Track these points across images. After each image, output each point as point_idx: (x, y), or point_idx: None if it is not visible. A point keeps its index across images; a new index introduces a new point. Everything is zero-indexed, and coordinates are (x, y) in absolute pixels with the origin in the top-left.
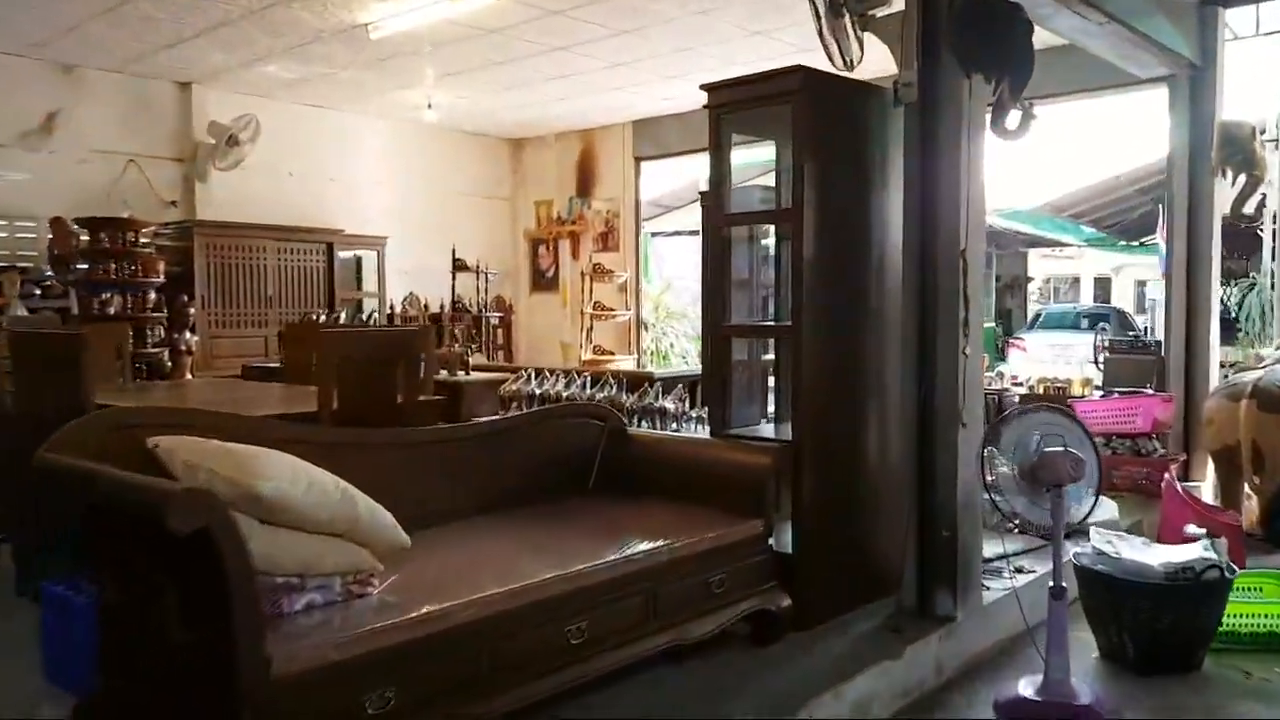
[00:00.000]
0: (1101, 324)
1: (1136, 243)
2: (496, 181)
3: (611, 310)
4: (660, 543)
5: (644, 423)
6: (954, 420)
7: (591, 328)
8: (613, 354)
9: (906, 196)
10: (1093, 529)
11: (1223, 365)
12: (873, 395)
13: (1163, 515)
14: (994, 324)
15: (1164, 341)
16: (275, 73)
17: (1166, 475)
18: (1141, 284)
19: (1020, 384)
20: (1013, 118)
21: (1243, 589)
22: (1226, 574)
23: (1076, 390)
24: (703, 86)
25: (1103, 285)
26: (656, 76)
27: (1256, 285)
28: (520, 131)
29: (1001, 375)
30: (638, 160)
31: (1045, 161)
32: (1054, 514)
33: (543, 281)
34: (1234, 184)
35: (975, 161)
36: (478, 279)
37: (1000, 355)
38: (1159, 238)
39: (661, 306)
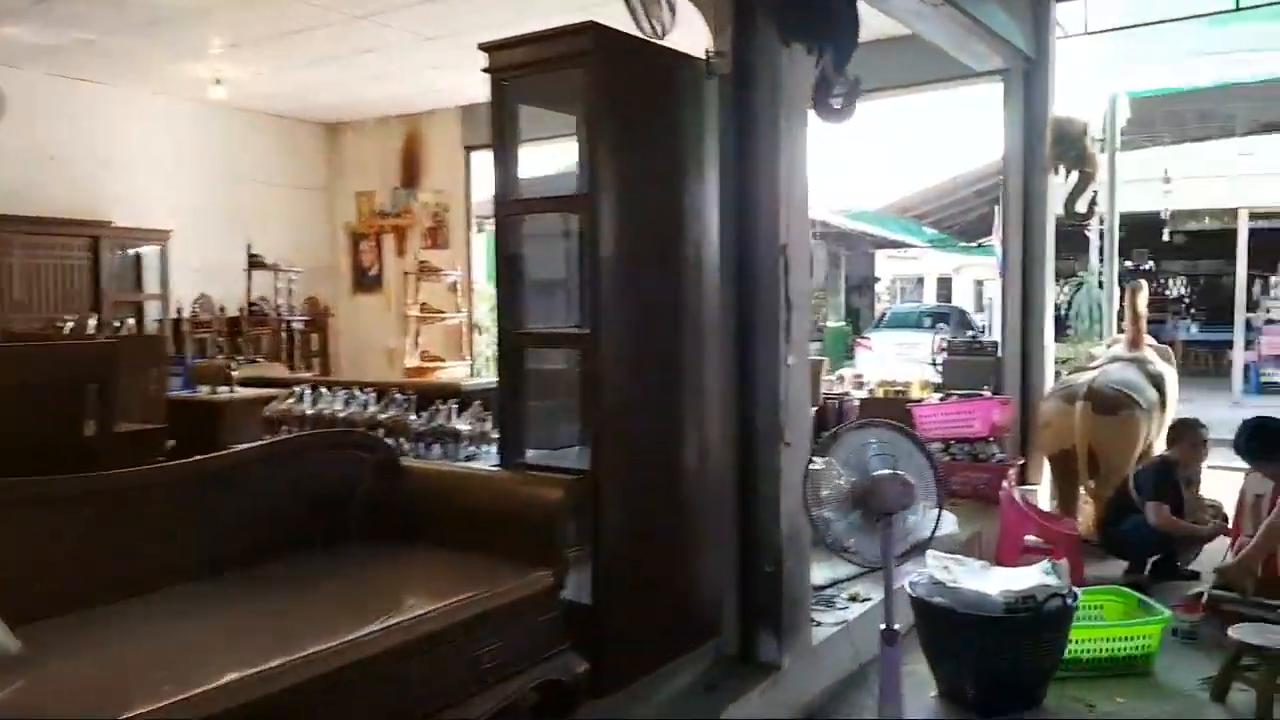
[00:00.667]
0: (939, 324)
1: (975, 244)
2: (310, 170)
3: (441, 313)
4: (409, 615)
5: (435, 448)
6: (776, 439)
7: (419, 332)
8: (442, 360)
9: (722, 183)
10: (929, 553)
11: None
12: (689, 412)
13: (1002, 527)
14: (844, 323)
15: (1000, 342)
16: (20, 37)
17: (1005, 484)
18: (980, 283)
19: (862, 386)
20: (837, 95)
21: (1084, 608)
22: (1069, 602)
23: (916, 393)
24: (481, 46)
25: (945, 285)
26: (478, 56)
27: (1084, 284)
28: (336, 115)
29: (842, 379)
30: (468, 149)
31: (891, 161)
32: (884, 546)
33: (366, 282)
34: (1066, 180)
35: (797, 144)
36: (275, 278)
37: (849, 355)
38: (995, 239)
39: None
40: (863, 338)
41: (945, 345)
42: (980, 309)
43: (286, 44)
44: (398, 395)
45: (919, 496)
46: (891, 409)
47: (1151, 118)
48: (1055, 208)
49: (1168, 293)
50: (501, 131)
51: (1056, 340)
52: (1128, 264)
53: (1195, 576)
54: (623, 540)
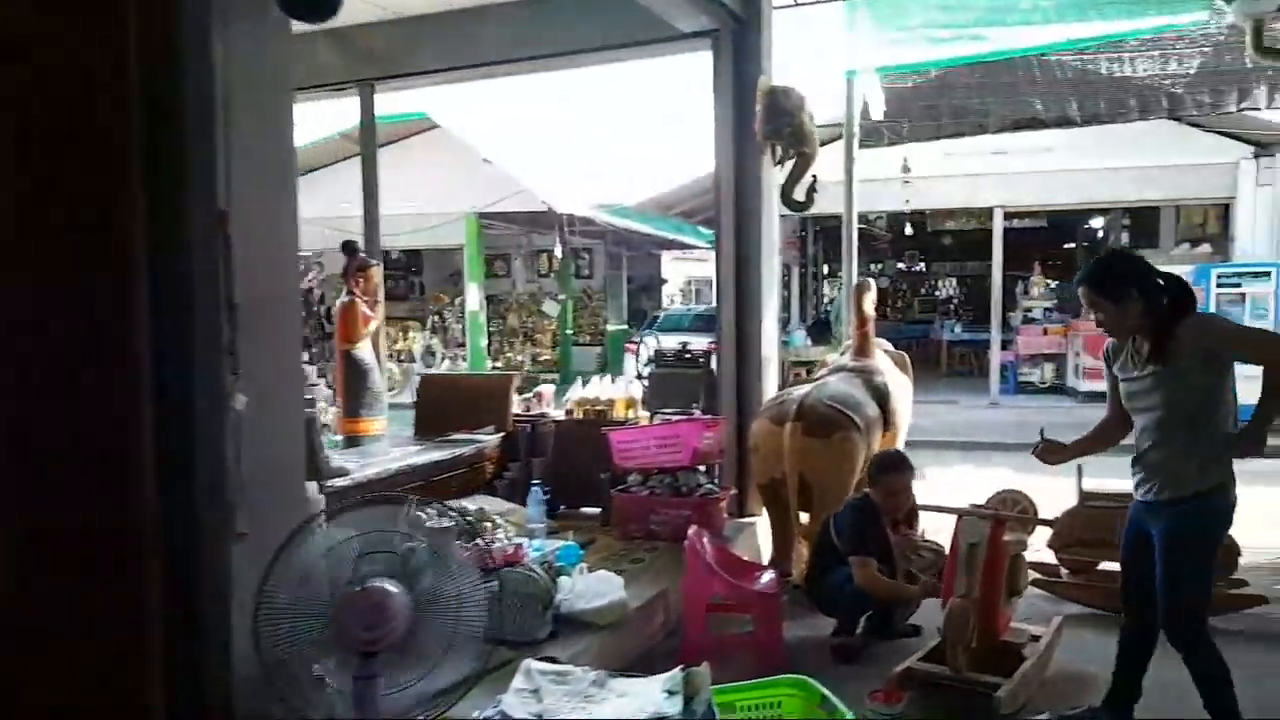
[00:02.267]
0: (647, 330)
1: None
2: None
3: None
4: None
5: None
6: (222, 529)
7: None
8: None
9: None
10: (525, 664)
11: (819, 366)
12: (95, 491)
13: (684, 587)
14: (626, 326)
15: (716, 352)
16: None
17: (690, 531)
18: None
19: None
20: None
21: (758, 707)
22: None
23: (620, 413)
24: None
25: None
26: None
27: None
28: None
29: (540, 397)
30: None
31: (637, 153)
32: (357, 701)
33: None
34: (782, 164)
35: (247, 47)
36: None
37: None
38: None
39: None
40: (631, 341)
41: (652, 355)
42: None
43: None
44: None
45: (411, 618)
46: (590, 432)
47: (905, 111)
48: (774, 194)
49: (938, 293)
50: None
51: (823, 345)
52: (900, 265)
53: (916, 632)
54: None
